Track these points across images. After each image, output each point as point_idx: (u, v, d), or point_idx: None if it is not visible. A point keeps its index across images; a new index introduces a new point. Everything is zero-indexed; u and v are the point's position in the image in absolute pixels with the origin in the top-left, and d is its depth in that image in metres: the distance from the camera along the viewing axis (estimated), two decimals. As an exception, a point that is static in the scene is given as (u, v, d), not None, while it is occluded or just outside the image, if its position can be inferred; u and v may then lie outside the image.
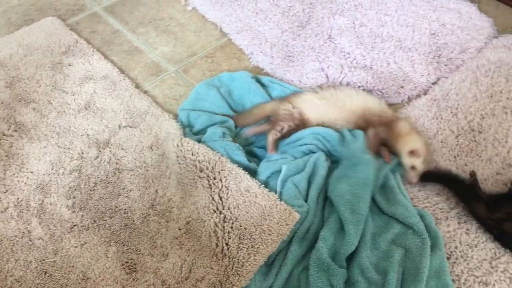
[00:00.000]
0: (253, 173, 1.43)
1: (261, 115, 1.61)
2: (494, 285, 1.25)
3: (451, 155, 1.54)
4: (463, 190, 1.41)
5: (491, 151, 1.54)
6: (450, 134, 1.60)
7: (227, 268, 1.21)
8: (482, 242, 1.33)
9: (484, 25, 1.99)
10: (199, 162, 1.40)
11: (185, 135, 1.54)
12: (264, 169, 1.43)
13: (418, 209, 1.37)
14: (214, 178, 1.36)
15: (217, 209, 1.30)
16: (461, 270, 1.27)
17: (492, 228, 1.31)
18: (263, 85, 1.72)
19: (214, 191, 1.33)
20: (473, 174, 1.43)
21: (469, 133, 1.60)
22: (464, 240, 1.33)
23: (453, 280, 1.24)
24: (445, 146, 1.56)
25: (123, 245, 1.32)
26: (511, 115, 1.64)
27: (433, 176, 1.47)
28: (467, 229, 1.35)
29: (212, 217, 1.29)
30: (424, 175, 1.45)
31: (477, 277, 1.26)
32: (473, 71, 1.80)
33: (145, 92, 1.76)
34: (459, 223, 1.37)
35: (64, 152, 1.52)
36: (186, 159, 1.42)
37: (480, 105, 1.68)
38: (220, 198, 1.32)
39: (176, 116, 1.65)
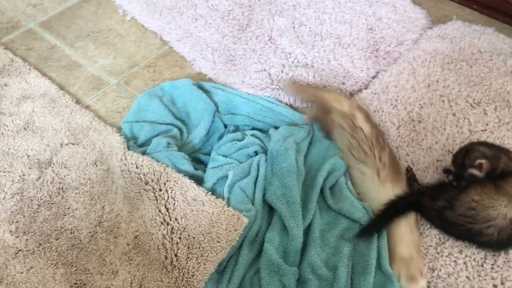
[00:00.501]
0: (200, 181, 1.43)
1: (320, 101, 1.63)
2: (440, 269, 1.28)
3: (393, 146, 1.58)
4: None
5: (430, 139, 1.59)
6: (391, 126, 1.64)
7: (177, 279, 1.20)
8: (427, 229, 1.37)
9: (419, 17, 2.05)
10: (143, 174, 1.39)
11: (129, 148, 1.52)
12: (210, 176, 1.43)
13: (364, 204, 1.40)
14: (160, 190, 1.35)
15: (164, 220, 1.29)
16: (408, 258, 1.30)
17: (434, 219, 1.35)
18: (206, 91, 1.72)
19: (160, 203, 1.32)
20: (409, 170, 1.47)
21: (409, 124, 1.64)
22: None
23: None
24: (387, 138, 1.60)
25: (71, 266, 1.29)
26: (448, 103, 1.69)
27: None
28: (412, 218, 1.39)
29: (159, 229, 1.28)
30: None
31: (424, 264, 1.29)
32: (410, 62, 1.85)
33: (87, 107, 1.73)
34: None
35: (4, 175, 1.48)
36: (130, 173, 1.41)
37: (418, 95, 1.73)
38: (167, 209, 1.31)
39: (120, 130, 1.63)
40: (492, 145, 1.42)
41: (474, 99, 1.70)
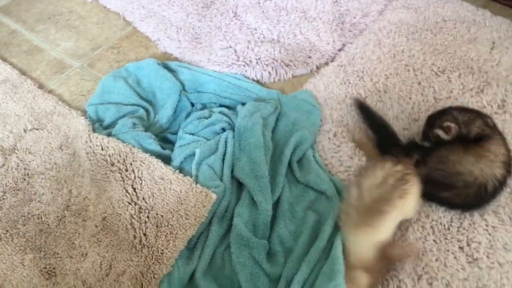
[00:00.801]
0: (167, 160, 1.42)
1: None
2: (409, 236, 1.30)
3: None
4: (384, 137, 1.47)
5: (396, 108, 1.60)
6: (358, 97, 1.64)
7: (147, 258, 1.20)
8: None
9: (383, -12, 2.05)
10: (109, 156, 1.37)
11: (95, 130, 1.50)
12: (178, 155, 1.42)
13: (332, 177, 1.41)
14: (126, 170, 1.34)
15: (132, 200, 1.28)
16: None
17: None
18: (171, 70, 1.70)
19: (127, 183, 1.31)
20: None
21: (376, 94, 1.65)
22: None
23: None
24: (354, 110, 1.60)
25: (40, 251, 1.28)
26: (413, 72, 1.71)
27: (367, 112, 1.53)
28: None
29: (127, 210, 1.27)
30: (362, 106, 1.53)
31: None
32: (376, 33, 1.86)
33: (50, 91, 1.69)
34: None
35: (-33, 164, 1.45)
36: (96, 155, 1.39)
37: (384, 66, 1.74)
38: (134, 190, 1.30)
39: (85, 113, 1.60)
40: (469, 110, 1.43)
41: (438, 67, 1.72)
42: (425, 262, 1.25)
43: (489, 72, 1.69)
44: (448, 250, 1.27)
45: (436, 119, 1.39)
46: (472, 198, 1.30)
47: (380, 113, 1.58)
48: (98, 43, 1.88)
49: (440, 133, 1.36)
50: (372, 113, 1.54)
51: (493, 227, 1.30)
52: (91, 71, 1.77)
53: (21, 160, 1.46)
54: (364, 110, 1.55)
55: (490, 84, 1.64)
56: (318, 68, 1.79)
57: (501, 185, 1.31)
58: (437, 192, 1.33)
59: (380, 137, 1.49)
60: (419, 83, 1.67)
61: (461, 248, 1.28)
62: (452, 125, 1.35)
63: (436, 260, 1.26)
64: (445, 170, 1.30)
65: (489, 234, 1.29)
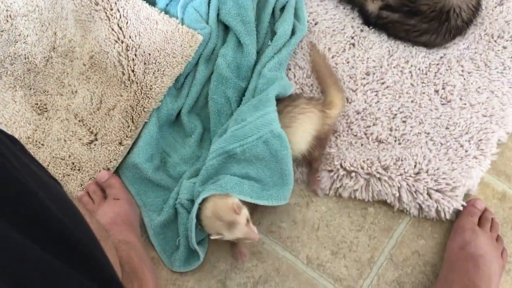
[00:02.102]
0: (152, 3, 1.40)
1: None
2: (388, 79, 1.36)
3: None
4: None
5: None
6: None
7: (136, 93, 1.24)
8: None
9: None
10: (93, -5, 1.35)
11: (75, -28, 1.46)
12: (162, -3, 1.40)
13: (300, 26, 1.41)
14: (111, 9, 1.32)
15: (118, 39, 1.29)
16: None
17: (372, 18, 1.41)
18: None
19: (112, 22, 1.31)
20: None
21: None
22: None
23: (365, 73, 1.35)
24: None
25: (30, 89, 1.31)
26: None
27: None
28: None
29: (114, 48, 1.28)
30: None
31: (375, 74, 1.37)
32: None
33: None
34: (352, 35, 1.44)
35: None
36: (79, -5, 1.36)
37: None
38: (120, 28, 1.30)
39: (63, -44, 1.54)
40: None
41: None
42: (401, 103, 1.32)
43: None
44: (424, 93, 1.34)
45: None
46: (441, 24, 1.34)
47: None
48: None
49: None
50: None
51: (468, 72, 1.36)
52: None
53: (2, 2, 1.42)
54: None
55: None
56: None
57: (474, 13, 1.36)
58: (405, 20, 1.36)
59: None
60: None
61: (436, 91, 1.35)
62: None
63: (412, 101, 1.33)
64: (412, 1, 1.35)
65: (464, 79, 1.35)
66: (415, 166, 1.21)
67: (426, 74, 1.37)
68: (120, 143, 1.22)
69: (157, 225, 1.20)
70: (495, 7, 1.46)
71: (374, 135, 1.28)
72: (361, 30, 1.44)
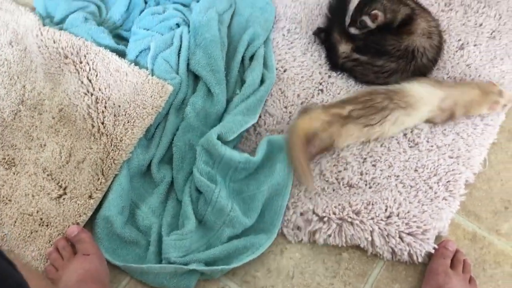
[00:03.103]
0: (122, 55, 1.41)
1: None
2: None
3: (313, 14, 1.60)
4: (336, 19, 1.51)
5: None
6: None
7: (106, 145, 1.23)
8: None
9: None
10: (62, 48, 1.35)
11: (45, 25, 1.46)
12: (132, 49, 1.42)
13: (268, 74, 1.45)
14: (80, 62, 1.33)
15: (88, 91, 1.29)
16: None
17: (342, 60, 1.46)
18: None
19: (82, 75, 1.31)
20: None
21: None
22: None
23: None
24: (307, 7, 1.61)
25: (-3, 144, 1.29)
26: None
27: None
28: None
29: (84, 100, 1.28)
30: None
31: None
32: None
33: (-6, -12, 1.62)
34: (320, 81, 1.48)
35: None
36: (48, 48, 1.37)
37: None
38: (90, 81, 1.30)
39: (34, 9, 1.55)
40: None
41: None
42: (370, 147, 1.34)
43: (438, -29, 1.73)
44: (392, 137, 1.37)
45: (365, 5, 1.42)
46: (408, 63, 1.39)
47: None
48: None
49: (368, 20, 1.41)
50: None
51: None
52: (37, -33, 1.69)
53: (-31, 57, 1.42)
54: None
55: (438, -18, 1.69)
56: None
57: (437, 52, 1.43)
58: (374, 61, 1.40)
59: (332, 18, 1.52)
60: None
61: (404, 134, 1.37)
62: (379, 13, 1.39)
63: (381, 145, 1.35)
64: (378, 43, 1.41)
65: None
66: (386, 209, 1.22)
67: (393, 118, 1.40)
68: (90, 197, 1.20)
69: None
70: (456, 51, 1.52)
71: (345, 180, 1.29)
72: (329, 76, 1.48)
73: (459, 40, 1.54)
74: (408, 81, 1.35)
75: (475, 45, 1.53)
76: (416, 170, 1.30)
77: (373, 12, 1.39)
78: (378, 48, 1.41)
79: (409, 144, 1.35)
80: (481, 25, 1.57)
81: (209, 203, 1.20)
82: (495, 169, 1.34)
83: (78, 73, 1.32)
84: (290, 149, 1.25)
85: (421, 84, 1.35)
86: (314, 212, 1.22)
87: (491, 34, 1.56)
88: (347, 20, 1.50)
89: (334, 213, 1.21)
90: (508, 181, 1.32)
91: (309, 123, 1.27)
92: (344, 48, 1.44)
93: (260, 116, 1.39)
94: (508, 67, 1.48)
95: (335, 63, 1.47)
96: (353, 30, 1.44)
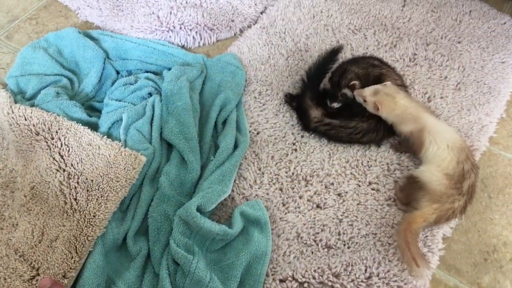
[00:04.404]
0: (95, 127, 1.42)
1: None
2: (336, 188, 1.39)
3: (283, 76, 1.65)
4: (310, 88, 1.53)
5: (317, 66, 1.67)
6: (281, 57, 1.70)
7: (79, 221, 1.21)
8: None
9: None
10: (33, 125, 1.35)
11: (16, 102, 1.47)
12: (105, 121, 1.42)
13: (242, 138, 1.46)
14: (52, 138, 1.33)
15: (60, 167, 1.28)
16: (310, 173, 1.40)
17: (314, 124, 1.48)
18: (93, 39, 1.68)
19: (54, 151, 1.31)
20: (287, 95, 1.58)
21: (297, 54, 1.72)
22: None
23: (306, 180, 1.38)
24: (277, 69, 1.66)
25: (-32, 226, 1.26)
26: (332, 31, 1.78)
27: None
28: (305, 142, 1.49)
29: (56, 177, 1.27)
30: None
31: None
32: (295, -5, 1.91)
33: (-34, 66, 1.64)
34: (294, 141, 1.49)
35: None
36: (19, 125, 1.37)
37: (304, 26, 1.80)
38: (61, 157, 1.30)
39: (5, 86, 1.57)
40: (361, 60, 1.54)
41: (355, 26, 1.80)
42: (345, 207, 1.34)
43: (401, 28, 1.80)
44: (367, 193, 1.37)
45: (340, 79, 1.47)
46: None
47: (302, 71, 1.64)
48: (15, 14, 1.82)
49: (348, 92, 1.45)
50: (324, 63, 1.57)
51: (408, 169, 1.41)
52: (9, 44, 1.72)
53: None
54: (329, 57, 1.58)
55: (402, 39, 1.75)
56: (241, 31, 1.83)
57: None
58: (346, 124, 1.43)
59: (308, 84, 1.54)
60: (338, 41, 1.75)
61: (377, 190, 1.38)
62: (356, 82, 1.44)
63: (358, 204, 1.35)
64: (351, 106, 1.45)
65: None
66: (365, 270, 1.21)
67: (366, 174, 1.41)
68: (63, 276, 1.17)
69: None
70: (425, 103, 1.55)
71: (323, 241, 1.28)
72: (302, 136, 1.50)
73: (426, 93, 1.58)
74: None
75: (441, 98, 1.57)
76: (393, 227, 1.30)
77: (351, 83, 1.43)
78: (351, 110, 1.44)
79: (387, 201, 1.36)
80: (446, 77, 1.63)
81: (187, 275, 1.17)
82: (471, 220, 1.34)
83: (50, 149, 1.31)
84: (401, 240, 1.23)
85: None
86: (293, 278, 1.20)
87: (456, 86, 1.61)
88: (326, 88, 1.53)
89: (314, 278, 1.20)
90: (485, 232, 1.32)
91: (421, 223, 1.23)
92: (315, 113, 1.46)
93: (234, 180, 1.39)
94: (475, 117, 1.52)
95: (307, 127, 1.49)
96: (335, 105, 1.48)
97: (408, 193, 1.32)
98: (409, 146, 1.39)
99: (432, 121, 1.34)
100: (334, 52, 1.56)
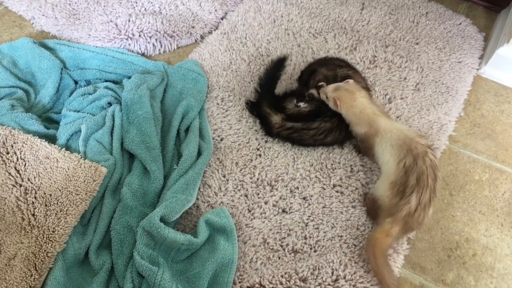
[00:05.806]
0: (53, 140, 1.38)
1: None
2: (301, 192, 1.39)
3: (246, 81, 1.64)
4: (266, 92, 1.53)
5: (278, 70, 1.67)
6: (242, 62, 1.70)
7: (38, 238, 1.17)
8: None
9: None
10: (-13, 140, 1.31)
11: (-31, 117, 1.42)
12: (63, 133, 1.39)
13: (205, 145, 1.45)
14: (8, 153, 1.28)
15: (16, 183, 1.24)
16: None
17: (276, 129, 1.47)
18: (50, 49, 1.64)
19: (9, 166, 1.26)
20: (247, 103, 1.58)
21: (259, 59, 1.71)
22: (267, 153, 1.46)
23: (271, 186, 1.37)
24: (239, 75, 1.66)
25: None
26: (293, 36, 1.79)
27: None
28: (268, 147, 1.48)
29: (12, 193, 1.23)
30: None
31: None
32: (255, 0, 1.91)
33: None
34: (258, 146, 1.49)
35: None
36: (-28, 141, 1.32)
37: (265, 31, 1.81)
38: (18, 171, 1.26)
39: (-43, 100, 1.51)
40: (327, 61, 1.56)
41: (315, 30, 1.82)
42: (311, 211, 1.35)
43: (361, 31, 1.82)
44: (332, 196, 1.38)
45: (308, 79, 1.48)
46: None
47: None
48: (-35, 25, 1.76)
49: (314, 92, 1.46)
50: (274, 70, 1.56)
51: (371, 170, 1.43)
52: (-40, 56, 1.66)
53: None
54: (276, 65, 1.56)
55: (361, 42, 1.77)
56: (202, 37, 1.82)
57: None
58: (309, 125, 1.43)
59: (262, 93, 1.53)
60: (299, 45, 1.76)
61: (341, 192, 1.39)
62: (324, 84, 1.45)
63: (323, 207, 1.36)
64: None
65: (369, 178, 1.41)
66: (332, 273, 1.21)
67: (330, 177, 1.42)
68: (23, 295, 1.13)
69: None
70: (386, 104, 1.57)
71: (290, 246, 1.28)
72: (265, 141, 1.49)
73: (386, 94, 1.60)
74: None
75: (401, 98, 1.60)
76: (358, 228, 1.31)
77: (319, 84, 1.44)
78: (317, 110, 1.44)
79: (352, 203, 1.36)
80: (405, 78, 1.65)
81: (152, 287, 1.15)
82: (434, 218, 1.37)
83: (5, 164, 1.27)
84: (370, 261, 1.22)
85: None
86: (261, 285, 1.19)
87: (416, 86, 1.64)
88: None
89: (281, 283, 1.19)
90: (447, 229, 1.35)
91: (386, 240, 1.20)
92: (275, 119, 1.46)
93: (198, 188, 1.37)
94: (434, 117, 1.55)
95: (270, 133, 1.48)
96: (302, 105, 1.47)
97: (370, 210, 1.33)
98: (363, 149, 1.41)
99: (385, 125, 1.31)
100: (281, 61, 1.54)
